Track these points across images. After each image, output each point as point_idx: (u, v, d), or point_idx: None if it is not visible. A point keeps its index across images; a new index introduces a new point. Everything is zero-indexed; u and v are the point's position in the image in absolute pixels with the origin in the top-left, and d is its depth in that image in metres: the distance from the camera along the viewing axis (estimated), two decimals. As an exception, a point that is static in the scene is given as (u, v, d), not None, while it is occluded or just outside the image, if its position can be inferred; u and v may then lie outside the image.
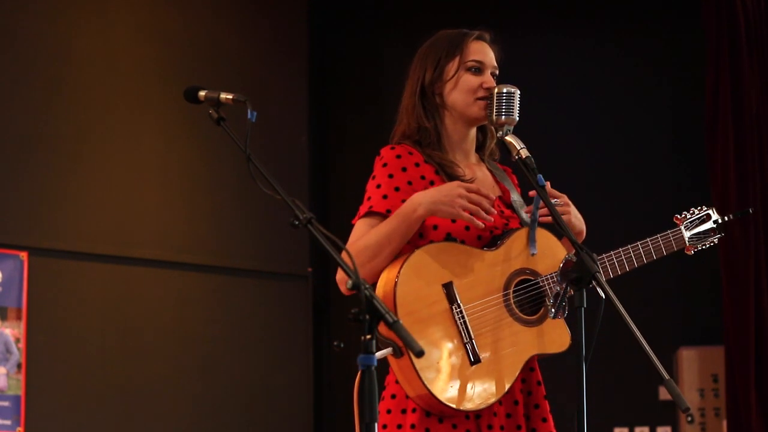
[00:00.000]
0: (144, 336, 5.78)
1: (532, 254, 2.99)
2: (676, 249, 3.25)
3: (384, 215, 2.96)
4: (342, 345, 2.73)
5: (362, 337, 2.36)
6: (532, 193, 3.00)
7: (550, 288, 2.97)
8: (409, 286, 2.86)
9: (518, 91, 3.02)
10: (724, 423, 5.96)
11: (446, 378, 2.85)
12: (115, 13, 5.88)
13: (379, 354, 2.72)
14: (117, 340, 5.68)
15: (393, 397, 2.95)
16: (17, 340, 5.28)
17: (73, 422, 5.46)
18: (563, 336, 2.98)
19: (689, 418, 6.09)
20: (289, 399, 6.27)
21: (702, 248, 3.29)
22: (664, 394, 6.15)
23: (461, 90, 3.08)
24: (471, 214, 2.90)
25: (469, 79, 3.09)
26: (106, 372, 5.61)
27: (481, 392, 2.88)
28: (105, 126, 5.74)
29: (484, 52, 3.17)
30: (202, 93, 2.78)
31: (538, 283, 2.98)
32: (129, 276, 5.76)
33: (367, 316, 2.35)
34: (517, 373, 2.93)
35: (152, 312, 5.83)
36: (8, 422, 5.20)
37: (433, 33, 3.24)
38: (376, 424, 2.33)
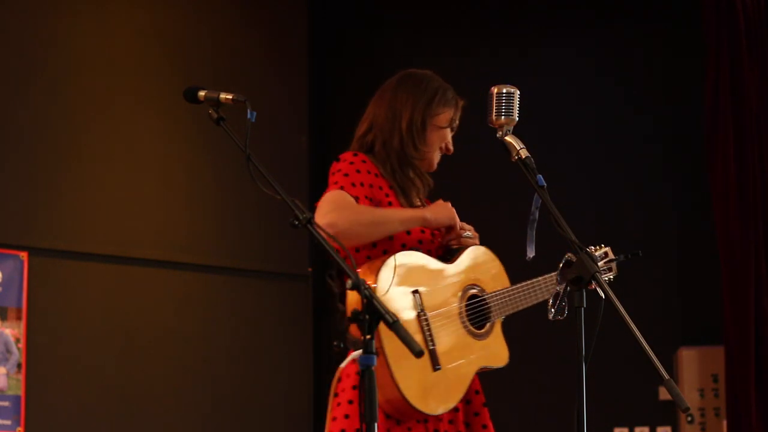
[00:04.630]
0: (144, 336, 5.78)
1: (530, 256, 3.05)
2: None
3: (354, 198, 3.04)
4: (342, 345, 2.75)
5: (362, 337, 2.36)
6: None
7: (495, 306, 3.12)
8: (386, 294, 2.93)
9: (518, 92, 3.02)
10: (724, 423, 5.96)
11: (415, 382, 2.93)
12: (115, 13, 5.88)
13: (354, 354, 2.75)
14: (117, 339, 5.68)
15: (350, 402, 3.00)
16: (17, 340, 5.28)
17: (73, 422, 5.46)
18: (503, 352, 3.18)
19: (689, 418, 6.09)
20: (289, 399, 6.27)
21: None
22: (664, 394, 6.15)
23: (439, 140, 3.23)
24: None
25: (447, 134, 3.26)
26: (106, 372, 5.61)
27: (442, 397, 2.99)
28: (105, 126, 5.74)
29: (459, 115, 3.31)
30: (201, 93, 2.79)
31: (485, 299, 3.13)
32: (129, 276, 5.76)
33: (367, 317, 2.36)
34: (468, 383, 3.07)
35: (152, 312, 5.83)
36: (8, 422, 5.20)
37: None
38: (376, 424, 2.33)
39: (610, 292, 2.66)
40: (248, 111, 2.68)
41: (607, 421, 6.30)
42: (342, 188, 3.05)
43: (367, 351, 2.35)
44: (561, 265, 2.88)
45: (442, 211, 3.15)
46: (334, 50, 6.97)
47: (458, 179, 6.08)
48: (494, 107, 3.01)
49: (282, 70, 6.50)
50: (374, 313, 2.36)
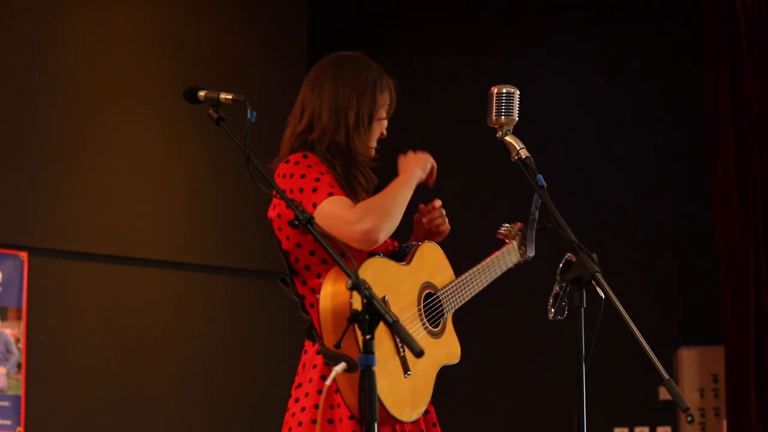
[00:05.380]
0: (144, 336, 5.78)
1: (530, 256, 3.05)
2: (513, 264, 3.31)
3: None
4: (342, 345, 2.73)
5: (362, 337, 2.36)
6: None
7: (446, 301, 3.08)
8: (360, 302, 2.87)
9: (518, 92, 3.02)
10: (724, 423, 5.96)
11: (392, 389, 2.88)
12: (115, 13, 5.88)
13: (337, 369, 2.72)
14: (117, 339, 5.68)
15: (316, 407, 2.95)
16: (17, 340, 5.28)
17: (73, 422, 5.46)
18: (456, 347, 3.12)
19: (689, 418, 6.09)
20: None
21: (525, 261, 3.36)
22: (664, 394, 6.15)
23: (378, 130, 3.16)
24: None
25: (383, 123, 3.19)
26: (106, 372, 5.61)
27: (414, 402, 2.95)
28: (105, 126, 5.74)
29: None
30: (201, 93, 2.78)
31: (438, 296, 3.07)
32: (129, 276, 5.76)
33: (367, 317, 2.36)
34: (433, 384, 3.02)
35: (152, 312, 5.83)
36: (8, 422, 5.20)
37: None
38: (376, 424, 2.33)
39: (610, 292, 2.65)
40: (248, 111, 2.67)
41: (607, 421, 6.30)
42: (331, 194, 2.94)
43: (367, 351, 2.35)
44: (561, 265, 2.88)
45: (419, 160, 3.10)
46: (334, 50, 6.96)
47: (458, 179, 6.08)
48: (494, 107, 3.01)
49: (282, 70, 6.50)
50: (374, 313, 2.35)
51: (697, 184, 6.26)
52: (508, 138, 2.96)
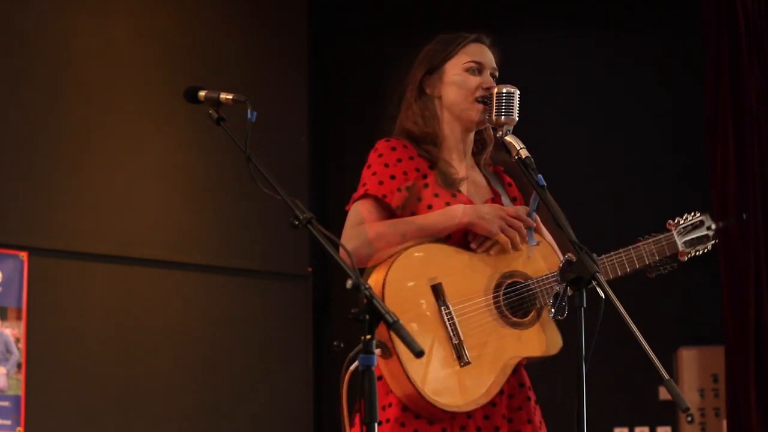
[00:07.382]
0: (144, 336, 5.78)
1: (529, 256, 3.02)
2: (668, 254, 3.25)
3: (380, 198, 2.98)
4: (342, 345, 2.74)
5: (362, 337, 2.36)
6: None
7: (541, 291, 3.00)
8: (396, 286, 2.86)
9: (518, 91, 3.03)
10: (724, 423, 5.96)
11: (435, 378, 2.85)
12: (115, 13, 5.88)
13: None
14: (117, 340, 5.68)
15: (382, 408, 2.93)
16: (17, 340, 5.28)
17: (73, 422, 5.46)
18: (555, 339, 3.02)
19: (689, 418, 6.09)
20: (289, 399, 6.26)
21: (695, 255, 3.31)
22: (664, 394, 6.15)
23: (460, 91, 3.10)
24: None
25: (469, 79, 3.11)
26: (106, 372, 5.61)
27: (469, 392, 2.89)
28: (105, 126, 5.74)
29: (483, 53, 3.18)
30: (201, 93, 2.79)
31: (528, 285, 3.00)
32: (129, 276, 5.76)
33: (367, 317, 2.36)
34: (505, 375, 2.94)
35: (152, 312, 5.83)
36: (8, 422, 5.20)
37: (433, 33, 3.25)
38: (376, 424, 2.33)
39: (610, 292, 2.65)
40: (248, 111, 2.68)
41: (607, 421, 6.30)
42: (366, 192, 2.98)
43: (367, 351, 2.35)
44: (561, 264, 2.88)
45: (483, 222, 2.97)
46: (334, 50, 6.97)
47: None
48: (494, 107, 3.01)
49: (282, 70, 6.50)
50: (374, 313, 2.36)
51: (697, 184, 6.26)
52: (508, 138, 2.96)
